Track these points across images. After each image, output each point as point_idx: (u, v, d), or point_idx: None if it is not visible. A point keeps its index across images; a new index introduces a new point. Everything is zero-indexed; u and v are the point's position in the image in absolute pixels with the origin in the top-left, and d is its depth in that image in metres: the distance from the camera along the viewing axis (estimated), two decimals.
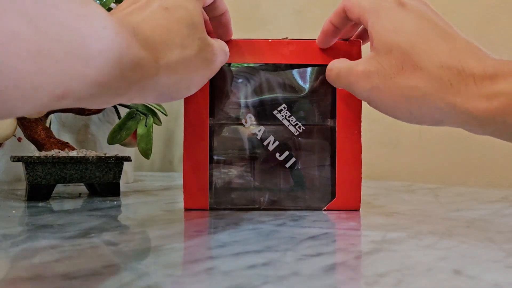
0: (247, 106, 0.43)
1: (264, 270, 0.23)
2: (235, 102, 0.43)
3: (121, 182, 0.54)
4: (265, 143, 0.42)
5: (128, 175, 0.72)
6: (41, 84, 0.19)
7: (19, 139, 0.61)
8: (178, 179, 0.81)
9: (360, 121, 0.42)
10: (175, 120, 1.06)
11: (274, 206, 0.43)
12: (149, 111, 0.55)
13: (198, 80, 0.32)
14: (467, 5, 0.72)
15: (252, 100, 0.43)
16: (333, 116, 0.42)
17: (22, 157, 0.47)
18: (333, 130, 0.42)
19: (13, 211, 0.41)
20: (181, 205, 0.47)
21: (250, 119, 0.43)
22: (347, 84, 0.34)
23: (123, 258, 0.25)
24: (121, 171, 0.52)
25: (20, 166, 0.68)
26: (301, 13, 0.91)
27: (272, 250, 0.27)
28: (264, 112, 0.43)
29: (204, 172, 0.41)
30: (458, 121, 0.28)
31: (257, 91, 0.43)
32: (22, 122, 0.52)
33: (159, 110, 0.56)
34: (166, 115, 0.58)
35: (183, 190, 0.41)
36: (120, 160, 0.51)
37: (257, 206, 0.43)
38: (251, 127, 0.43)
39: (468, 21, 0.72)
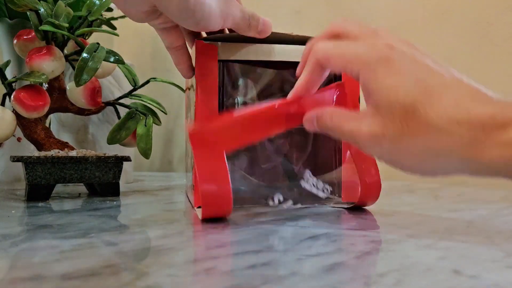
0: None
1: (264, 270, 0.23)
2: (244, 103, 0.43)
3: (121, 182, 0.54)
4: (276, 144, 0.43)
5: (127, 175, 0.72)
6: None
7: (19, 139, 0.62)
8: (177, 179, 0.81)
9: None
10: (175, 120, 1.06)
11: (283, 204, 0.44)
12: (149, 111, 0.55)
13: (216, 9, 0.36)
14: (467, 5, 0.72)
15: (261, 101, 0.44)
16: None
17: (22, 157, 0.47)
18: None
19: (13, 211, 0.41)
20: (180, 205, 0.47)
21: None
22: (354, 143, 0.31)
23: (122, 258, 0.25)
24: (120, 171, 0.52)
25: (19, 166, 0.68)
26: (300, 13, 0.91)
27: (272, 250, 0.27)
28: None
29: None
30: (473, 172, 0.27)
31: (267, 92, 0.44)
32: (22, 122, 0.52)
33: (159, 109, 0.56)
34: (166, 114, 0.58)
35: (194, 191, 0.41)
36: (119, 160, 0.51)
37: (268, 204, 0.43)
38: None
39: (468, 21, 0.72)
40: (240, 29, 0.39)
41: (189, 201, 0.48)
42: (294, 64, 0.43)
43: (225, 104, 0.43)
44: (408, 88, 0.27)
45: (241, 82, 0.43)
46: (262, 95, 0.44)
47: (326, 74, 0.34)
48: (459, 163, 0.27)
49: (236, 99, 0.43)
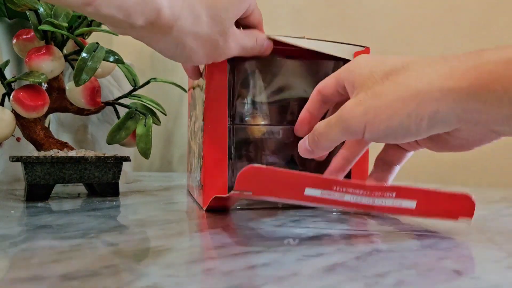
0: (265, 106, 0.44)
1: (264, 270, 0.23)
2: (252, 102, 0.44)
3: (120, 182, 0.54)
4: (284, 144, 0.43)
5: (127, 175, 0.72)
6: None
7: (18, 139, 0.61)
8: (177, 179, 0.81)
9: None
10: (175, 120, 1.06)
11: (293, 204, 0.44)
12: (148, 111, 0.55)
13: (201, 55, 0.37)
14: (467, 5, 0.72)
15: (269, 100, 0.44)
16: None
17: (21, 157, 0.47)
18: None
19: (12, 211, 0.41)
20: (180, 205, 0.47)
21: (268, 119, 0.43)
22: (341, 128, 0.33)
23: (122, 258, 0.25)
24: (120, 171, 0.52)
25: (19, 166, 0.68)
26: (300, 12, 0.90)
27: (272, 250, 0.27)
28: (282, 113, 0.44)
29: (224, 173, 0.41)
30: (451, 105, 0.28)
31: (275, 92, 0.44)
32: (21, 122, 0.52)
33: (158, 110, 0.56)
34: (165, 115, 0.58)
35: (203, 191, 0.41)
36: (119, 160, 0.51)
37: (277, 206, 0.44)
38: (269, 128, 0.43)
39: (468, 21, 0.72)
40: (246, 54, 0.40)
41: (196, 201, 0.47)
42: (306, 58, 0.43)
43: (234, 103, 0.43)
44: (379, 60, 0.32)
45: (251, 80, 0.43)
46: (272, 93, 0.44)
47: (326, 107, 0.39)
48: (439, 93, 0.28)
49: (245, 98, 0.43)
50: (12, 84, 0.52)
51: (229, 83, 0.42)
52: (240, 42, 0.38)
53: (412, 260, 0.25)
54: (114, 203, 0.47)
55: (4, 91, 0.52)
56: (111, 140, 0.53)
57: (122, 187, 0.60)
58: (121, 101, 0.57)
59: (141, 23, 0.32)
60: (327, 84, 0.37)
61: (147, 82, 0.56)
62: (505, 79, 0.26)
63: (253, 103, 0.43)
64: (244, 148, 0.43)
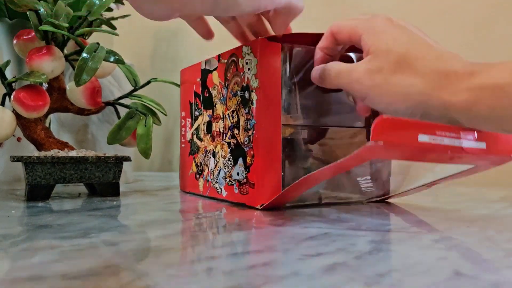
0: (311, 108, 0.44)
1: (264, 270, 0.23)
2: (301, 104, 0.44)
3: (121, 182, 0.54)
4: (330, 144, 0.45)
5: (127, 175, 0.72)
6: None
7: (19, 139, 0.61)
8: (177, 179, 0.81)
9: None
10: (175, 120, 1.06)
11: (334, 200, 0.45)
12: (149, 111, 0.55)
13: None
14: (467, 5, 0.72)
15: (316, 104, 0.44)
16: None
17: (22, 157, 0.47)
18: None
19: (13, 211, 0.41)
20: (180, 205, 0.47)
21: (314, 120, 0.44)
22: (347, 82, 0.36)
23: (122, 258, 0.25)
24: (120, 171, 0.52)
25: (19, 166, 0.68)
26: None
27: (272, 250, 0.27)
28: (329, 116, 0.45)
29: (277, 171, 0.42)
30: (443, 112, 0.31)
31: (317, 93, 0.44)
32: (22, 122, 0.52)
33: (158, 110, 0.56)
34: (165, 115, 0.58)
35: (253, 189, 0.42)
36: (119, 160, 0.51)
37: (319, 202, 0.45)
38: (316, 129, 0.44)
39: (468, 21, 0.72)
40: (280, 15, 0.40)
41: (226, 200, 0.47)
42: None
43: (285, 108, 0.43)
44: (402, 42, 0.34)
45: (295, 81, 0.44)
46: (314, 94, 0.44)
47: (334, 53, 0.40)
48: (435, 101, 0.31)
49: (296, 102, 0.44)
50: (13, 84, 0.52)
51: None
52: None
53: (412, 260, 0.25)
54: (115, 203, 0.47)
55: (4, 91, 0.52)
56: (111, 140, 0.53)
57: (122, 187, 0.60)
58: (121, 101, 0.57)
59: None
60: (342, 30, 0.38)
61: (148, 82, 0.56)
62: (484, 106, 0.29)
63: (302, 104, 0.44)
64: (294, 149, 0.44)
